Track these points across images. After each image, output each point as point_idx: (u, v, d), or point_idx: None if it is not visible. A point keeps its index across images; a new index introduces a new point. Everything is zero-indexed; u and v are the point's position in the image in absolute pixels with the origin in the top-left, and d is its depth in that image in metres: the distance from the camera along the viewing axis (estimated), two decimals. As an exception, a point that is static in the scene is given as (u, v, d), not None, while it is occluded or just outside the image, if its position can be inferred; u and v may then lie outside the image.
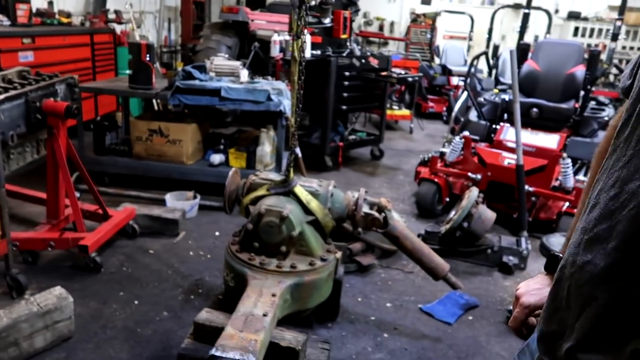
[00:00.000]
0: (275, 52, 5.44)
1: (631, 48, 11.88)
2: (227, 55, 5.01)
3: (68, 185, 3.01)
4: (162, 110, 5.52)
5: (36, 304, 2.24)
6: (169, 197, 3.92)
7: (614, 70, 10.10)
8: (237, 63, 4.52)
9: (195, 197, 3.98)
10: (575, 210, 3.78)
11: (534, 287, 1.07)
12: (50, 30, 5.14)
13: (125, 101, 5.14)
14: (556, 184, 4.04)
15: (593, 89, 4.70)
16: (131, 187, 4.20)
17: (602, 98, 5.22)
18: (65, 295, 2.35)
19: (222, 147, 4.44)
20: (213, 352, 1.73)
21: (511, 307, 2.90)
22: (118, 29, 6.47)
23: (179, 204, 3.88)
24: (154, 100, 5.81)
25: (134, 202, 3.75)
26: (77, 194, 3.32)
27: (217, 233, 3.66)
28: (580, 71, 4.59)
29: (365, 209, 2.53)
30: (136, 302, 2.74)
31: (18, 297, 2.61)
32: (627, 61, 11.13)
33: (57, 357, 2.27)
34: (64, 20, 5.56)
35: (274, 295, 2.12)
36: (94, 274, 2.96)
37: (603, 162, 0.78)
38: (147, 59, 4.12)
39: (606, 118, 4.56)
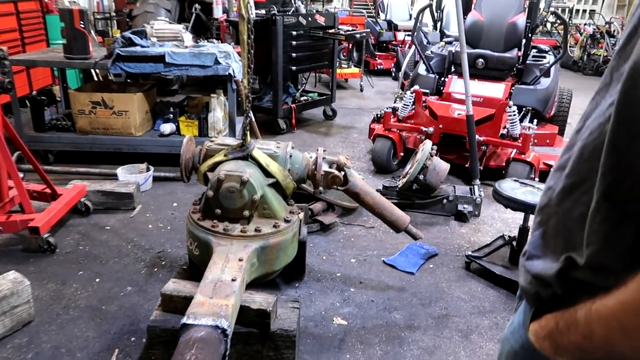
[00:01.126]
0: (218, 13, 5.24)
1: (566, -4, 12.26)
2: (167, 19, 4.78)
3: (9, 165, 2.83)
4: (103, 80, 5.24)
5: (-10, 291, 2.15)
6: (120, 171, 3.78)
7: (551, 18, 10.40)
8: (180, 26, 4.33)
9: (148, 169, 3.87)
10: (523, 156, 3.96)
11: None
12: (-33, 0, 4.73)
13: (62, 73, 4.85)
14: (504, 131, 4.19)
15: (533, 37, 4.82)
16: (79, 164, 4.02)
17: (542, 46, 5.38)
18: (21, 279, 2.26)
19: (171, 116, 4.29)
20: (185, 320, 1.71)
21: (470, 253, 3.02)
22: (45, -5, 6.01)
23: (131, 177, 3.75)
24: (93, 71, 5.51)
25: (83, 179, 3.60)
26: (21, 174, 3.14)
27: (174, 204, 3.59)
28: (521, 20, 4.69)
29: (325, 167, 2.53)
30: (97, 279, 2.67)
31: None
32: (563, 10, 11.49)
33: (19, 342, 2.19)
34: (-18, -12, 5.10)
35: (240, 259, 2.11)
36: (49, 255, 2.85)
37: None
38: (82, 26, 3.88)
39: (547, 65, 4.71)
